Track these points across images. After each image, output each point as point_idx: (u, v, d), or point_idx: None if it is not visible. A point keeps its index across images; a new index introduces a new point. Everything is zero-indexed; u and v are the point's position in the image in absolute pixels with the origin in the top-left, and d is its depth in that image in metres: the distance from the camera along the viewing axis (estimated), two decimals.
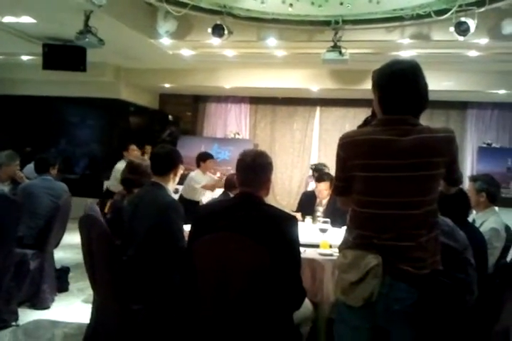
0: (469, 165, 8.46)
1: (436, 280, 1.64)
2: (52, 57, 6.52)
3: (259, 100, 9.46)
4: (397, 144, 1.69)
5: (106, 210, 4.68)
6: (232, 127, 9.49)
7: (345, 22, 5.81)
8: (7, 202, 3.43)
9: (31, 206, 3.90)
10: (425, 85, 1.77)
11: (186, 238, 2.67)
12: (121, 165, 6.31)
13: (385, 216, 1.69)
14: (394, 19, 5.79)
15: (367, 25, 5.87)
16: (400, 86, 1.73)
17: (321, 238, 3.16)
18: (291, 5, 5.46)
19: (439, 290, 1.63)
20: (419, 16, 5.56)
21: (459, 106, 8.66)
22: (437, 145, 1.69)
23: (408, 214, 1.67)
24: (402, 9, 5.45)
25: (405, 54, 6.26)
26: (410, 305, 1.63)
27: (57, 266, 4.36)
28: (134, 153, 6.64)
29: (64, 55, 6.47)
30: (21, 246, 3.74)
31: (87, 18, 5.43)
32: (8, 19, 5.94)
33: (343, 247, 1.79)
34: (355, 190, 1.78)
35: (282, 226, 2.15)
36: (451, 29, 5.21)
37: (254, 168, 2.25)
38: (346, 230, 1.85)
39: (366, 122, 1.95)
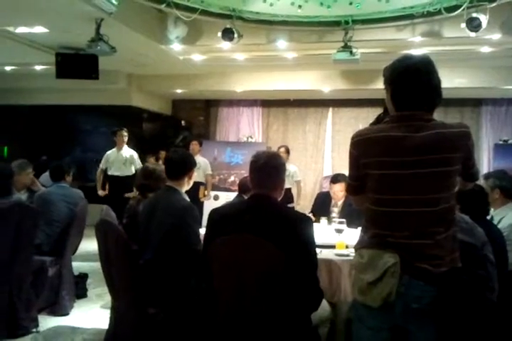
0: (486, 163, 8.34)
1: (456, 277, 1.61)
2: (65, 66, 6.60)
3: (270, 103, 9.46)
4: (411, 140, 1.66)
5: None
6: (245, 131, 9.50)
7: (355, 22, 5.78)
8: (25, 209, 3.47)
9: (48, 213, 3.93)
10: (438, 80, 1.75)
11: (202, 241, 2.69)
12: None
13: (401, 214, 1.67)
14: (404, 17, 5.74)
15: (377, 24, 5.83)
16: (412, 81, 1.71)
17: (337, 239, 3.13)
18: (300, 6, 5.46)
19: (459, 288, 1.60)
20: (429, 14, 5.51)
21: (473, 103, 8.56)
22: (452, 141, 1.66)
23: (425, 211, 1.65)
24: (412, 7, 5.41)
25: (417, 52, 6.19)
26: (429, 303, 1.60)
27: (75, 272, 4.38)
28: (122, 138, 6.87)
29: (76, 64, 6.54)
30: (39, 254, 3.78)
31: (98, 26, 5.48)
32: (21, 30, 6.03)
33: (359, 247, 1.77)
34: (369, 188, 1.76)
35: (298, 227, 2.14)
36: (463, 25, 5.15)
37: (268, 170, 2.25)
38: (362, 229, 1.83)
39: (378, 119, 1.93)
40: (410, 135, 1.67)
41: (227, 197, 7.46)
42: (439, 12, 5.33)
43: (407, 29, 5.90)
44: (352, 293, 1.79)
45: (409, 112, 1.72)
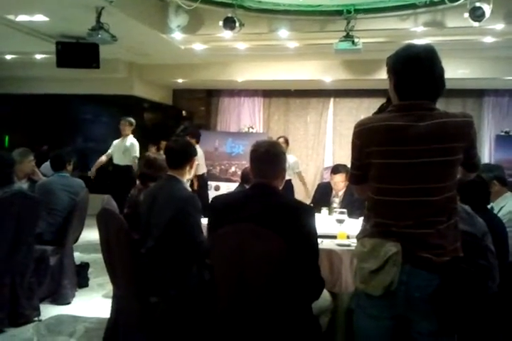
0: (487, 154, 8.32)
1: (457, 266, 1.61)
2: (65, 55, 6.57)
3: (272, 93, 9.42)
4: (413, 130, 1.66)
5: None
6: (246, 121, 9.47)
7: (357, 11, 5.75)
8: (26, 199, 3.47)
9: (50, 203, 3.94)
10: (441, 69, 1.73)
11: (204, 231, 2.69)
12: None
13: (403, 203, 1.67)
14: (407, 7, 5.72)
15: (379, 13, 5.80)
16: (415, 70, 1.70)
17: (338, 229, 3.14)
18: None
19: (461, 277, 1.60)
20: (432, 3, 5.48)
21: (475, 94, 8.52)
22: (455, 130, 1.66)
23: (427, 200, 1.65)
24: None
25: (419, 42, 6.08)
26: (431, 292, 1.60)
27: (77, 262, 4.40)
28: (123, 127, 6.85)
29: (77, 53, 6.51)
30: (41, 243, 3.79)
31: (99, 14, 5.44)
32: (21, 18, 5.99)
33: (361, 236, 1.77)
34: (371, 177, 1.76)
35: (300, 217, 2.14)
36: (466, 15, 5.11)
37: (269, 158, 2.24)
38: (364, 218, 1.83)
39: (381, 109, 1.92)
40: (413, 124, 1.67)
41: (228, 188, 7.48)
42: (442, 1, 5.30)
43: (409, 19, 5.85)
44: (353, 282, 1.80)
45: (413, 101, 1.71)
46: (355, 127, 1.80)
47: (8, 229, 3.30)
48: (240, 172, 7.41)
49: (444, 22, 5.74)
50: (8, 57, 8.17)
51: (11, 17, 5.98)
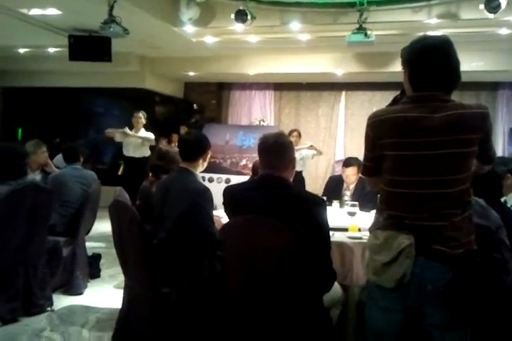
0: (501, 148, 8.23)
1: (471, 259, 1.60)
2: (78, 48, 6.60)
3: (283, 86, 9.38)
4: (428, 121, 1.64)
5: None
6: (257, 114, 9.45)
7: (370, 3, 5.68)
8: (40, 190, 3.51)
9: (62, 194, 3.97)
10: (457, 61, 1.71)
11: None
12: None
13: (417, 195, 1.66)
14: None
15: (392, 5, 5.74)
16: (430, 61, 1.68)
17: (349, 222, 3.13)
18: None
19: (474, 270, 1.59)
20: None
21: (489, 86, 8.41)
22: (470, 122, 1.64)
23: (441, 193, 1.63)
24: None
25: (433, 34, 6.08)
26: (444, 285, 1.59)
27: (89, 253, 4.44)
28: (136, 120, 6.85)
29: (89, 46, 6.54)
30: (53, 234, 3.83)
31: (111, 7, 5.44)
32: (34, 11, 6.01)
33: (373, 228, 1.77)
34: (385, 169, 1.75)
35: (312, 209, 2.13)
36: (481, 6, 5.04)
37: (277, 149, 2.24)
38: (376, 211, 1.82)
39: (395, 101, 1.90)
40: (428, 116, 1.65)
41: (238, 180, 7.45)
42: None
43: (423, 10, 5.78)
44: (365, 274, 1.79)
45: (427, 93, 1.69)
46: (369, 119, 1.79)
47: (21, 220, 3.34)
48: (250, 165, 7.41)
49: (459, 14, 5.66)
50: (22, 50, 8.22)
51: (24, 11, 6.00)
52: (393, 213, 1.69)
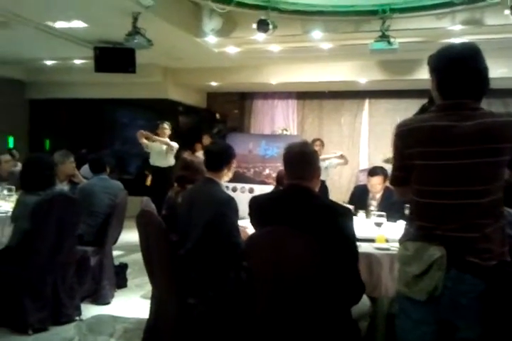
0: None
1: (505, 271, 1.56)
2: (103, 60, 6.73)
3: (305, 95, 9.39)
4: (457, 130, 1.61)
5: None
6: (280, 123, 9.47)
7: (392, 10, 5.65)
8: (68, 200, 3.57)
9: (90, 205, 4.02)
10: (486, 68, 1.69)
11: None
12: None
13: (448, 206, 1.63)
14: (444, 5, 5.58)
15: (416, 12, 5.69)
16: (459, 69, 1.66)
17: (376, 232, 3.09)
18: None
19: (508, 282, 1.55)
20: (471, 1, 5.34)
21: None
22: (501, 131, 1.61)
23: (472, 203, 1.60)
24: None
25: (457, 41, 6.01)
26: (477, 297, 1.56)
27: (116, 262, 4.48)
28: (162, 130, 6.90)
29: (114, 58, 6.66)
30: (82, 244, 3.88)
31: (135, 19, 5.54)
32: (60, 24, 6.16)
33: (404, 239, 1.74)
34: (414, 179, 1.72)
35: (338, 219, 2.12)
36: (507, 12, 4.97)
37: (303, 158, 2.23)
38: (407, 222, 1.79)
39: (423, 109, 1.88)
40: (457, 124, 1.62)
41: (261, 190, 7.47)
42: None
43: (446, 17, 5.73)
44: (396, 286, 1.76)
45: (456, 101, 1.67)
46: (397, 128, 1.77)
47: (50, 230, 3.39)
48: (274, 175, 7.41)
49: (483, 20, 5.59)
50: (48, 62, 8.43)
51: (51, 24, 6.16)
52: (424, 224, 1.67)
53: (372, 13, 5.77)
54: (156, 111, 8.95)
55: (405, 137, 1.73)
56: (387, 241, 2.93)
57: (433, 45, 1.82)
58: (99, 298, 3.99)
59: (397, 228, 3.26)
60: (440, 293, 1.59)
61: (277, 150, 8.35)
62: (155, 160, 6.95)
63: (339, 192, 8.23)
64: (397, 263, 1.77)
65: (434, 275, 1.58)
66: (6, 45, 7.21)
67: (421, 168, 1.69)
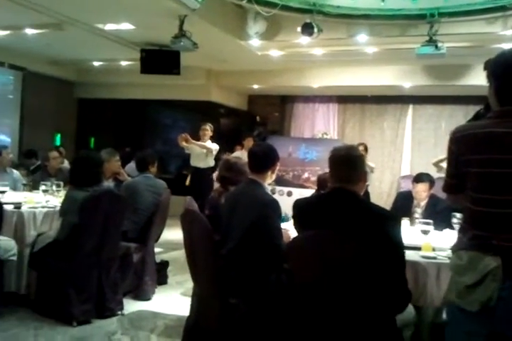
0: None
1: None
2: (149, 62, 6.88)
3: (347, 99, 9.32)
4: None
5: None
6: (320, 127, 9.43)
7: (441, 14, 5.55)
8: (114, 197, 3.66)
9: (135, 202, 4.11)
10: None
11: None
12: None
13: (505, 215, 1.58)
14: (495, 9, 5.43)
15: (465, 17, 5.56)
16: None
17: (422, 240, 3.02)
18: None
19: None
20: None
21: None
22: None
23: None
24: None
25: (508, 46, 5.84)
26: None
27: (157, 260, 4.55)
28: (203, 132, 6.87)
29: (160, 60, 6.80)
30: (126, 240, 3.96)
31: (182, 22, 5.64)
32: (109, 26, 6.35)
33: (456, 248, 1.70)
34: (469, 187, 1.68)
35: (385, 224, 2.09)
36: None
37: (350, 161, 2.21)
38: (460, 230, 1.75)
39: (478, 115, 1.85)
40: None
41: (300, 194, 7.45)
42: None
43: (498, 22, 5.57)
44: (446, 296, 1.72)
45: None
46: (452, 134, 1.74)
47: (96, 225, 3.49)
48: (313, 179, 7.38)
49: None
50: (96, 63, 8.68)
51: (100, 26, 6.35)
52: (479, 233, 1.63)
53: (420, 17, 5.67)
54: (198, 112, 9.08)
55: (460, 144, 1.70)
56: (433, 249, 2.86)
57: (482, 50, 1.79)
58: (141, 293, 4.07)
59: (444, 237, 3.19)
60: (494, 304, 1.55)
61: (317, 154, 8.31)
62: (195, 161, 7.04)
63: (380, 198, 8.15)
64: (449, 272, 1.73)
65: (489, 286, 1.54)
66: (58, 46, 7.48)
67: (477, 175, 1.65)
